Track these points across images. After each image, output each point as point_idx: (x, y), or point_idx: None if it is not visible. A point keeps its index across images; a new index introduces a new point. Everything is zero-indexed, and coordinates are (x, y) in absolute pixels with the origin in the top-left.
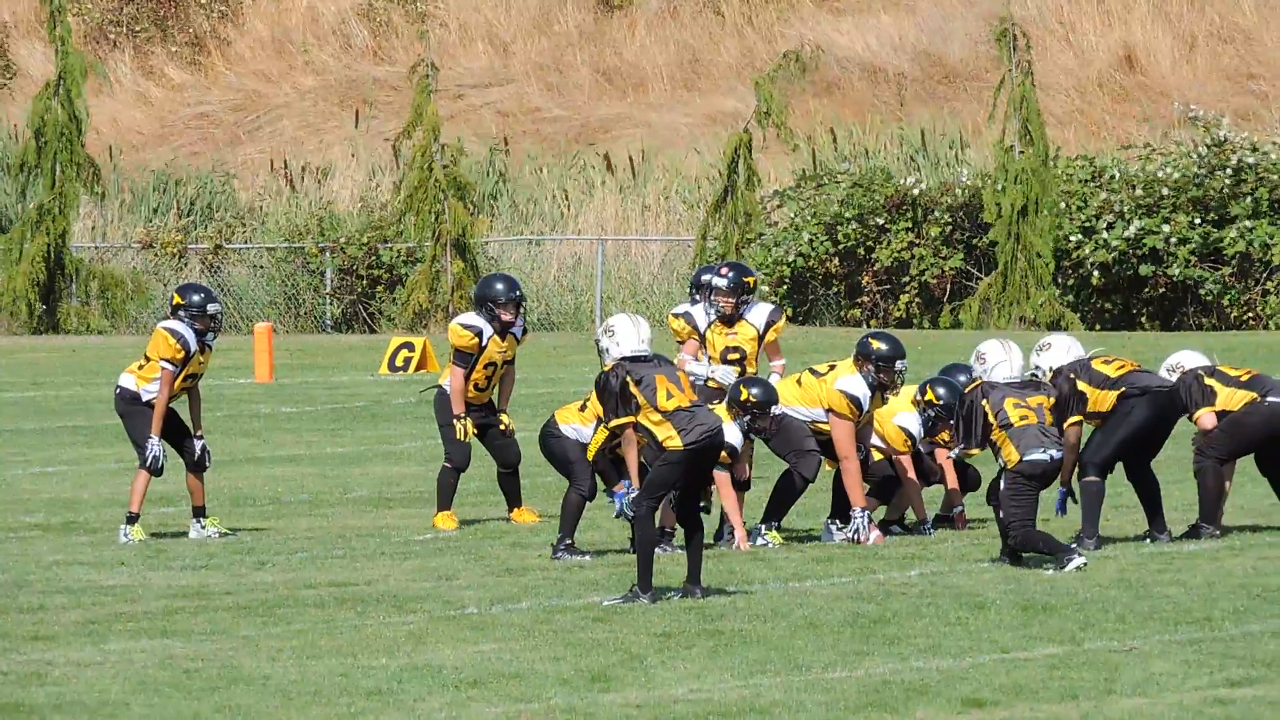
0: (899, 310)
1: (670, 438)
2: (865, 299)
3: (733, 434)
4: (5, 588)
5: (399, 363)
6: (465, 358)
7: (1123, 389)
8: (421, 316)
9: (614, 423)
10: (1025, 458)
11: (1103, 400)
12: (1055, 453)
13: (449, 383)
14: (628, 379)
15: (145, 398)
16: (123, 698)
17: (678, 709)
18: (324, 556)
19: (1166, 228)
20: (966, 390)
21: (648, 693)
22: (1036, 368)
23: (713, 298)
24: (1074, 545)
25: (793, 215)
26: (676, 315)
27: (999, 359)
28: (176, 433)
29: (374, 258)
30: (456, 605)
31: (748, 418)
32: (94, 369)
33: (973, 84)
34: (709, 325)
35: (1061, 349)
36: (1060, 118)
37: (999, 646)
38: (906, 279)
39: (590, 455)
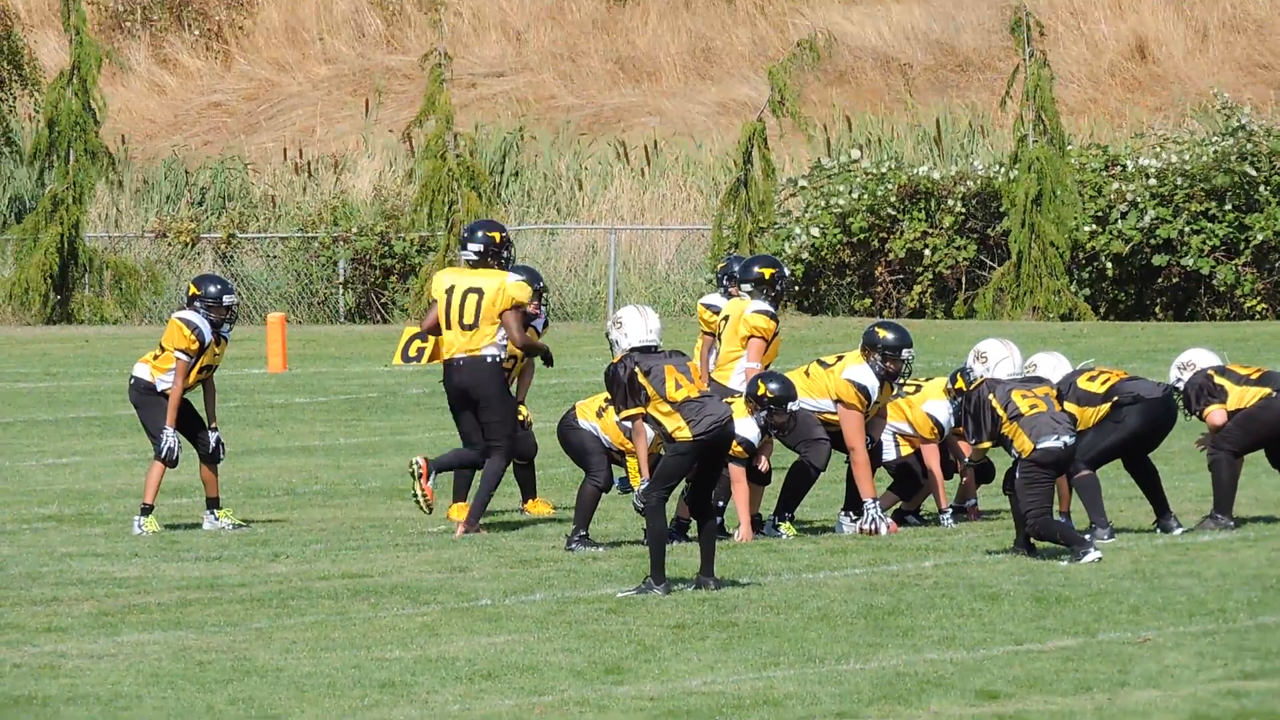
0: (912, 300)
1: (680, 429)
2: (878, 289)
3: (750, 429)
4: (19, 579)
5: (412, 353)
6: None
7: (1114, 399)
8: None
9: (623, 414)
10: (1039, 445)
11: (1093, 416)
12: (1069, 439)
13: None
14: (636, 370)
15: (160, 388)
16: (135, 690)
17: (691, 701)
18: (338, 548)
19: (1180, 219)
20: (971, 388)
21: (661, 684)
22: None
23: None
24: (1088, 537)
25: (805, 205)
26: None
27: (1001, 356)
28: (191, 424)
29: (387, 247)
30: (470, 597)
31: (764, 412)
32: (107, 359)
33: (985, 73)
34: None
35: (1047, 368)
36: (1073, 107)
37: (1013, 638)
38: (920, 269)
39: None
